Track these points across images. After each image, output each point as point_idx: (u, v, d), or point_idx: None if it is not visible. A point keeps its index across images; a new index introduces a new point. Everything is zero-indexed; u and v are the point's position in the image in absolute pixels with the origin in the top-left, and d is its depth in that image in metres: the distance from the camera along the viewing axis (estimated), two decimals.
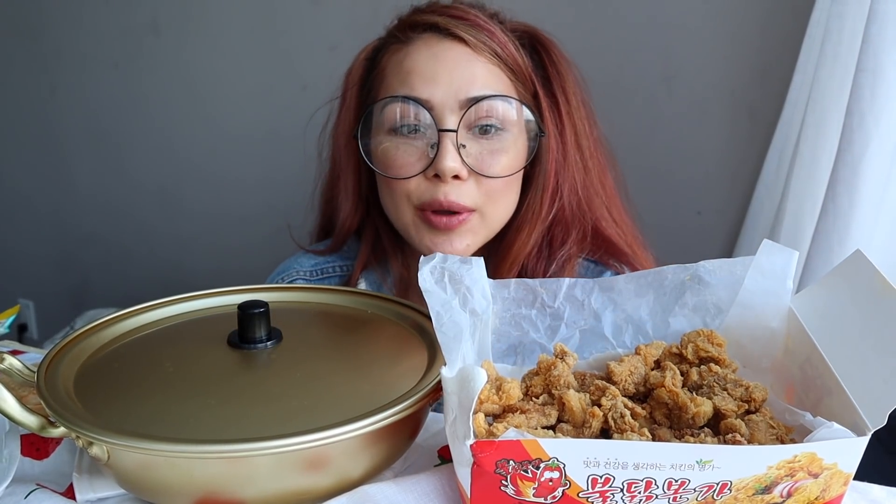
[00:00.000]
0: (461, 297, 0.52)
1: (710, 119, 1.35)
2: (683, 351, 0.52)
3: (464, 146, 0.79)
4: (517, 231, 0.86)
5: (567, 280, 0.56)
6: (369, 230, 0.93)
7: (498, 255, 0.87)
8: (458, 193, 0.79)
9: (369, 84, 0.87)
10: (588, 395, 0.48)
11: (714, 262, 0.55)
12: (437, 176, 0.78)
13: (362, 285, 0.92)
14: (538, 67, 0.86)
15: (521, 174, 0.84)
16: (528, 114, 0.83)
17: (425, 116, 0.79)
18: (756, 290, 0.54)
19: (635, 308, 0.56)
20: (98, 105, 1.97)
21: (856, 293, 0.48)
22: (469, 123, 0.79)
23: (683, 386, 0.50)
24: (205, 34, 1.78)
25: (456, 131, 0.78)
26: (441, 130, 0.78)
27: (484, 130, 0.80)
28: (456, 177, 0.78)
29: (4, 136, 2.16)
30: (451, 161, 0.77)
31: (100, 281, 2.16)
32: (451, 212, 0.80)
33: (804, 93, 1.17)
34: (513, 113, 0.81)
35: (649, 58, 1.35)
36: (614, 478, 0.40)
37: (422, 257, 0.53)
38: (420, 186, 0.80)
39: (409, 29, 0.83)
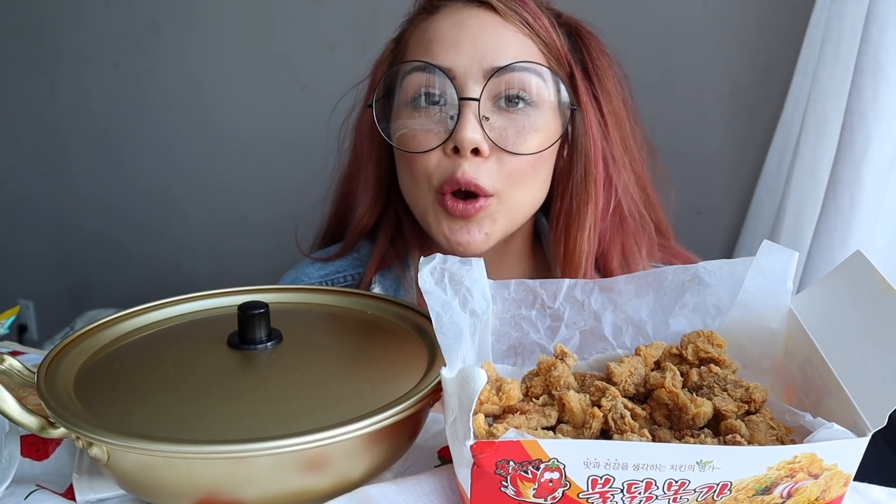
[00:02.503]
0: (461, 297, 0.52)
1: (709, 119, 1.35)
2: (683, 352, 0.52)
3: (487, 118, 0.72)
4: (567, 230, 0.79)
5: (567, 281, 0.56)
6: (388, 224, 0.87)
7: (556, 259, 0.81)
8: (476, 171, 0.72)
9: (392, 60, 0.82)
10: (588, 395, 0.48)
11: (714, 262, 0.55)
12: (456, 150, 0.72)
13: (377, 288, 0.86)
14: (575, 53, 0.80)
15: (551, 160, 0.78)
16: (561, 88, 0.75)
17: (446, 85, 0.73)
18: (756, 291, 0.54)
19: (635, 309, 0.56)
20: (98, 105, 1.97)
21: (856, 293, 0.48)
22: (494, 94, 0.73)
23: (683, 387, 0.50)
24: (204, 34, 1.78)
25: (478, 100, 0.72)
26: (462, 99, 0.72)
27: (511, 102, 0.73)
28: (476, 152, 0.72)
29: (4, 136, 2.16)
30: (470, 132, 0.71)
31: (100, 281, 2.16)
32: (469, 196, 0.74)
33: (804, 92, 1.17)
34: (543, 87, 0.74)
35: (649, 57, 1.35)
36: (614, 478, 0.40)
37: (421, 258, 0.53)
38: (441, 164, 0.74)
39: None
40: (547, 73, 0.74)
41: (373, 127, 0.81)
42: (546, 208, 0.85)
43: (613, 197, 0.80)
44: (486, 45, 0.73)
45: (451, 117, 0.73)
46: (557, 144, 0.78)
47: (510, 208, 0.76)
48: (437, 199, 0.76)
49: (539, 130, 0.74)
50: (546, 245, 0.87)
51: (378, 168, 0.85)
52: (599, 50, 0.82)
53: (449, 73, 0.73)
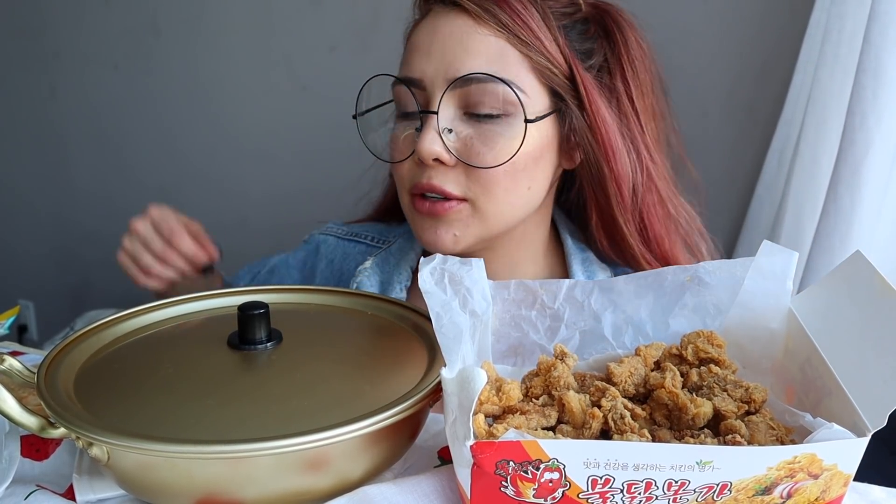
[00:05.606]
0: (461, 298, 0.52)
1: (709, 119, 1.35)
2: (683, 352, 0.52)
3: (450, 130, 0.71)
4: (611, 234, 0.80)
5: (567, 281, 0.56)
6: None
7: (608, 255, 0.83)
8: (442, 179, 0.72)
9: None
10: (588, 396, 0.48)
11: (714, 262, 0.55)
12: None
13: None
14: (603, 48, 0.77)
15: (543, 167, 0.75)
16: (533, 95, 0.72)
17: (410, 98, 0.73)
18: (756, 291, 0.54)
19: (635, 309, 0.56)
20: (98, 106, 1.97)
21: (856, 294, 0.48)
22: (461, 104, 0.71)
23: (683, 387, 0.50)
24: (205, 35, 1.78)
25: (436, 113, 0.70)
26: (422, 112, 0.72)
27: (475, 113, 0.71)
28: (439, 161, 0.71)
29: (4, 136, 2.16)
30: (427, 143, 0.70)
31: (100, 281, 2.16)
32: (437, 198, 0.73)
33: (804, 93, 1.18)
34: (510, 96, 0.70)
35: None
36: (614, 479, 0.40)
37: (422, 258, 0.53)
38: (411, 170, 0.74)
39: (423, 1, 0.78)
40: (504, 86, 0.70)
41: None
42: (574, 205, 0.85)
43: (640, 185, 0.78)
44: (454, 52, 0.71)
45: (417, 129, 0.73)
46: (554, 151, 0.75)
47: (485, 217, 0.74)
48: (411, 199, 0.76)
49: (509, 139, 0.71)
50: (567, 240, 0.85)
51: None
52: (633, 40, 0.79)
53: (420, 84, 0.72)
